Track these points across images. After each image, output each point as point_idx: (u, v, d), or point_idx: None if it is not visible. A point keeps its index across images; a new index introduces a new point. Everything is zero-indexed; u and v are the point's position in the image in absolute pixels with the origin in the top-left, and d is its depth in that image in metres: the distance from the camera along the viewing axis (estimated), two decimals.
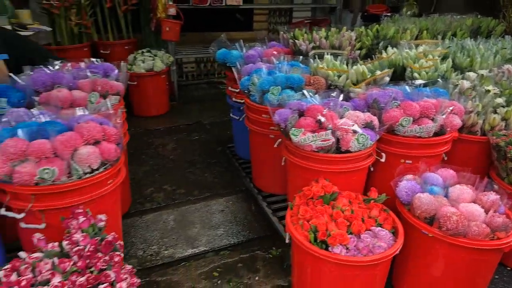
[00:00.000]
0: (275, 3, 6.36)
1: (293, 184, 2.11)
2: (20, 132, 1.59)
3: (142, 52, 4.45)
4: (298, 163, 1.95)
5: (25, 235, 1.63)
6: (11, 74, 2.18)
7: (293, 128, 1.85)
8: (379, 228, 1.62)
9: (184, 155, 3.55)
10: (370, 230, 1.61)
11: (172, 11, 4.18)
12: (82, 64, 2.47)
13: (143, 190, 2.95)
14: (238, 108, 3.03)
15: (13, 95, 2.08)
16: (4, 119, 1.73)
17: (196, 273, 2.19)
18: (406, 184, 1.80)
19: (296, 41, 3.03)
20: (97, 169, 1.68)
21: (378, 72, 2.48)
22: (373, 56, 3.02)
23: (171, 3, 4.34)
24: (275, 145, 2.27)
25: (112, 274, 1.25)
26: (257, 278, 2.15)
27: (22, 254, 1.34)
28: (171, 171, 3.25)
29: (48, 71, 2.18)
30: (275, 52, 2.81)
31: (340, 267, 1.54)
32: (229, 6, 4.82)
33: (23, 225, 1.60)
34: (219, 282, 2.12)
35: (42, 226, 1.59)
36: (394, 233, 1.66)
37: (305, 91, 2.07)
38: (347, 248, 1.53)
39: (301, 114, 1.94)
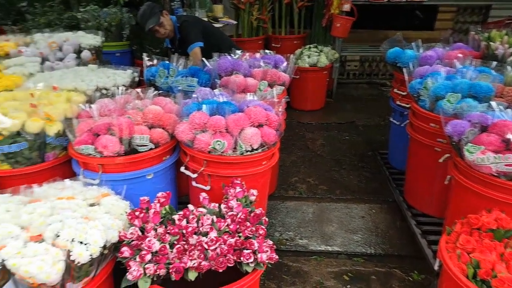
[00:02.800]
0: None
1: (456, 208, 1.83)
2: (204, 107, 1.88)
3: (309, 47, 4.61)
4: (468, 186, 1.67)
5: (194, 192, 1.95)
6: (203, 59, 2.60)
7: (470, 144, 1.59)
8: None
9: (332, 153, 3.53)
10: None
11: (347, 7, 4.15)
12: (257, 55, 2.72)
13: (288, 178, 3.09)
14: (401, 113, 2.80)
15: (202, 77, 2.47)
16: (194, 95, 2.09)
17: (326, 270, 2.18)
18: None
19: (491, 43, 2.57)
20: (256, 149, 1.85)
21: None
22: None
23: None
24: (440, 160, 2.01)
25: (255, 244, 1.36)
26: None
27: (190, 206, 1.60)
28: (317, 166, 3.29)
29: (230, 59, 2.49)
30: (460, 55, 2.44)
31: None
32: (410, 2, 4.46)
33: (194, 183, 1.91)
34: (348, 286, 2.05)
35: (207, 187, 1.87)
36: None
37: (493, 103, 1.74)
38: None
39: (483, 129, 1.65)
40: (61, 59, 2.83)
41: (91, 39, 2.97)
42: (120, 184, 1.76)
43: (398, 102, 2.81)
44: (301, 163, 3.34)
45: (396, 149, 3.05)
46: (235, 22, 4.74)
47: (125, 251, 1.34)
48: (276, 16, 5.23)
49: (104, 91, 2.27)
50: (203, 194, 1.68)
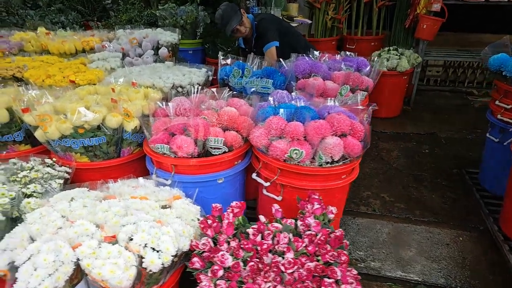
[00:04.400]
0: None
1: None
2: (281, 111, 1.75)
3: (388, 50, 4.26)
4: None
5: (264, 201, 1.83)
6: (280, 60, 2.47)
7: None
8: None
9: (410, 166, 3.20)
10: None
11: (436, 7, 3.75)
12: (338, 57, 2.53)
13: (360, 191, 2.84)
14: (502, 129, 2.41)
15: (278, 78, 2.34)
16: (270, 98, 1.96)
17: None
18: None
19: None
20: (337, 161, 1.67)
21: None
22: None
23: None
24: None
25: (338, 272, 1.20)
26: None
27: (262, 218, 1.48)
28: (392, 180, 2.99)
29: (309, 60, 2.33)
30: None
31: None
32: None
33: (264, 192, 1.79)
34: None
35: (279, 198, 1.73)
36: None
37: None
38: None
39: None
40: (140, 55, 2.90)
41: (168, 36, 3.01)
42: (191, 187, 1.70)
43: (499, 116, 2.42)
44: (374, 176, 3.07)
45: (490, 170, 2.65)
46: (310, 22, 4.56)
47: (196, 262, 1.26)
48: (353, 16, 4.95)
49: (179, 89, 2.25)
50: (276, 206, 1.54)
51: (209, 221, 1.35)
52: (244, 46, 3.14)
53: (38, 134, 1.82)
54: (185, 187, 1.69)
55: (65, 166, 1.80)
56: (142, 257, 1.19)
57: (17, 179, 1.58)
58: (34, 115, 1.78)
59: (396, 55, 4.11)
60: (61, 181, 1.67)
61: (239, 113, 1.86)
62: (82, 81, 2.28)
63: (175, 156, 1.69)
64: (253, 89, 2.35)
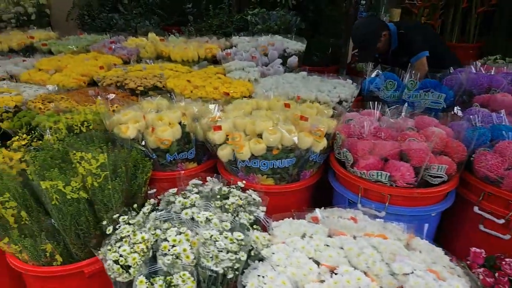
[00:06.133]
0: None
1: None
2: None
3: (495, 59, 3.94)
4: None
5: (476, 238, 1.59)
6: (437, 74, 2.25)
7: None
8: None
9: None
10: None
11: None
12: (506, 69, 2.28)
13: None
14: None
15: (447, 92, 2.11)
16: (471, 117, 1.74)
17: None
18: None
19: None
20: None
21: None
22: None
23: None
24: None
25: None
26: None
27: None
28: None
29: (485, 73, 2.10)
30: None
31: None
32: None
33: (482, 227, 1.56)
34: None
35: (507, 237, 1.50)
36: None
37: None
38: None
39: None
40: (265, 64, 2.74)
41: (296, 44, 2.83)
42: (404, 220, 1.49)
43: None
44: None
45: None
46: None
47: None
48: (446, 22, 4.65)
49: (345, 104, 2.06)
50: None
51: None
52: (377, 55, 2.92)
53: (223, 153, 1.67)
54: (397, 220, 1.48)
55: (251, 190, 1.63)
56: None
57: (225, 206, 1.42)
58: (223, 134, 1.63)
59: (503, 64, 3.78)
60: (264, 209, 1.50)
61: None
62: (236, 94, 2.12)
63: (391, 185, 1.49)
64: (416, 103, 2.13)
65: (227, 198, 1.49)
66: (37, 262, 1.45)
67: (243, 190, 1.58)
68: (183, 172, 1.76)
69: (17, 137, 1.78)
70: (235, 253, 1.17)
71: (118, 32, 4.15)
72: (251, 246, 1.26)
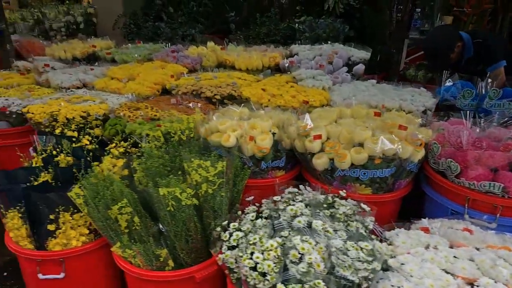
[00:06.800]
0: None
1: None
2: None
3: None
4: None
5: None
6: None
7: None
8: None
9: None
10: None
11: None
12: None
13: None
14: None
15: None
16: None
17: None
18: None
19: None
20: None
21: None
22: None
23: None
24: None
25: None
26: None
27: None
28: None
29: None
30: None
31: None
32: None
33: None
34: None
35: None
36: None
37: None
38: None
39: None
40: (330, 72, 2.75)
41: (361, 53, 2.84)
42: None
43: None
44: None
45: None
46: None
47: None
48: (496, 28, 4.58)
49: (429, 112, 2.05)
50: None
51: None
52: None
53: (320, 162, 1.68)
54: (509, 232, 1.45)
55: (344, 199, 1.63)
56: None
57: (337, 215, 1.43)
58: (319, 142, 1.65)
59: None
60: (373, 218, 1.49)
61: None
62: (315, 102, 2.14)
63: (502, 196, 1.47)
64: (499, 113, 2.10)
65: (333, 207, 1.50)
66: (150, 266, 1.49)
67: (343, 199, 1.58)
68: (277, 179, 1.77)
69: (114, 144, 1.84)
70: (370, 262, 1.17)
71: (165, 40, 4.27)
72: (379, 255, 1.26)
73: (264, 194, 1.65)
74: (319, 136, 1.64)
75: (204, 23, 5.29)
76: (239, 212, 1.57)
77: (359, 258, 1.19)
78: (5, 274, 2.30)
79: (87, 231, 1.65)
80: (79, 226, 1.63)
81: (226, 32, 5.25)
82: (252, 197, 1.69)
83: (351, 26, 4.33)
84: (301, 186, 1.69)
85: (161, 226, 1.54)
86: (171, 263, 1.49)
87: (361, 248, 1.23)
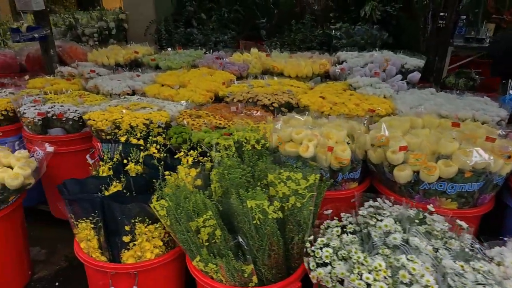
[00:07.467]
0: None
1: None
2: None
3: None
4: None
5: None
6: None
7: None
8: None
9: None
10: None
11: None
12: None
13: None
14: None
15: None
16: None
17: None
18: None
19: None
20: None
21: None
22: None
23: None
24: None
25: None
26: None
27: None
28: None
29: None
30: None
31: None
32: None
33: None
34: None
35: None
36: None
37: None
38: None
39: None
40: (383, 80, 2.68)
41: (415, 60, 2.77)
42: None
43: None
44: None
45: None
46: None
47: None
48: None
49: (502, 123, 1.97)
50: None
51: None
52: None
53: (402, 174, 1.60)
54: None
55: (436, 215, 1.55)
56: None
57: (434, 232, 1.35)
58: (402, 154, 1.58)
59: None
60: (471, 236, 1.41)
61: None
62: (381, 111, 2.07)
63: None
64: None
65: (425, 222, 1.43)
66: (232, 282, 1.42)
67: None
68: (355, 191, 1.70)
69: (182, 153, 1.80)
70: (492, 286, 1.10)
71: (198, 46, 4.25)
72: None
73: (338, 207, 1.59)
74: (405, 148, 1.57)
75: (236, 29, 5.28)
76: (322, 226, 1.51)
77: (477, 281, 1.11)
78: (56, 284, 2.26)
79: (161, 243, 1.60)
80: (153, 238, 1.58)
81: (256, 38, 5.22)
82: (331, 211, 1.63)
83: (388, 33, 4.26)
84: (379, 199, 1.62)
85: (240, 240, 1.48)
86: (255, 279, 1.42)
87: (477, 270, 1.15)
